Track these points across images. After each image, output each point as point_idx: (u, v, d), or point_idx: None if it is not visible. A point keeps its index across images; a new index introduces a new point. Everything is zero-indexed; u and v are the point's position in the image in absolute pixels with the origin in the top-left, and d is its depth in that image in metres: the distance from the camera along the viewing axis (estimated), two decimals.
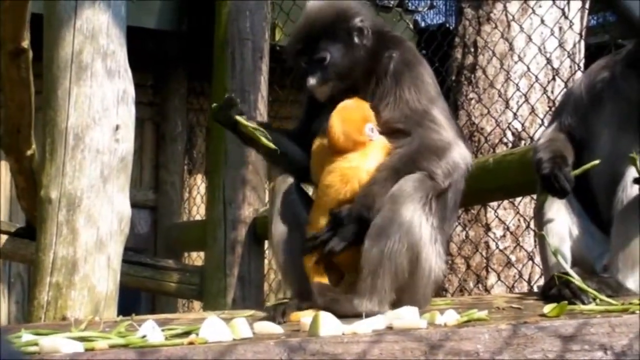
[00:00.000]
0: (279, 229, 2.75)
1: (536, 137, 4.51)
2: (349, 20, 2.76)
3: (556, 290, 2.62)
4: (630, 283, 2.70)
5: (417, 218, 2.53)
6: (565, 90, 4.45)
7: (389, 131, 2.68)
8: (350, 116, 2.68)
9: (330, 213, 2.62)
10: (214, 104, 2.78)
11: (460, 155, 2.67)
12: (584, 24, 4.77)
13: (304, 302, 2.57)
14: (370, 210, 2.56)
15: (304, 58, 2.75)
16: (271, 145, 2.73)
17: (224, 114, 2.74)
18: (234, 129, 2.75)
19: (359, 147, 2.67)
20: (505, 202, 4.57)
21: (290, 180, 2.80)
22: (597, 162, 2.76)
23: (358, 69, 2.75)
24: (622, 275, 2.70)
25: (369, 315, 2.46)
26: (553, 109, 4.59)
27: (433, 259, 2.60)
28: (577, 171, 2.77)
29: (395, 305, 2.56)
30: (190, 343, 2.16)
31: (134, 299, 6.30)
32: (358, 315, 2.42)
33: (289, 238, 2.74)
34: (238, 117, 2.71)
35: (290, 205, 2.75)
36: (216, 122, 2.78)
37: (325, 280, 2.62)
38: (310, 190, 2.88)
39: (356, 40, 2.75)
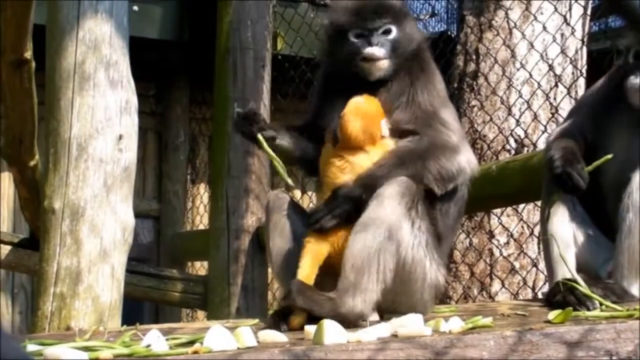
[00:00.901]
0: (275, 242, 2.75)
1: (539, 143, 4.51)
2: (403, 5, 2.80)
3: (561, 296, 2.62)
4: (635, 289, 2.70)
5: (401, 221, 2.52)
6: (567, 95, 4.46)
7: (398, 132, 2.68)
8: (366, 111, 2.67)
9: (332, 190, 2.60)
10: (238, 110, 2.76)
11: (467, 159, 2.67)
12: (586, 30, 4.77)
13: (283, 301, 2.54)
14: (369, 192, 2.55)
15: (360, 30, 2.72)
16: (288, 180, 2.71)
17: (245, 127, 2.71)
18: (254, 142, 2.73)
19: (374, 142, 2.66)
20: (509, 209, 4.56)
21: (284, 194, 2.81)
22: (610, 156, 2.72)
23: (408, 56, 2.74)
24: (626, 282, 2.70)
25: (352, 314, 2.44)
26: (556, 115, 4.59)
27: (426, 262, 2.59)
28: (590, 167, 2.73)
29: (392, 311, 2.56)
30: (195, 352, 2.16)
31: (137, 308, 6.30)
32: (339, 315, 2.40)
33: (286, 249, 2.73)
34: (260, 137, 2.69)
35: (285, 218, 2.75)
36: (236, 132, 2.76)
37: (309, 281, 2.58)
38: (304, 204, 2.88)
39: (412, 27, 2.80)
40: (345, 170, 2.66)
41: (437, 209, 2.67)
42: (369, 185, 2.57)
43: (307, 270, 2.58)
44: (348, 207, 2.57)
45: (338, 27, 2.75)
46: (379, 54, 2.68)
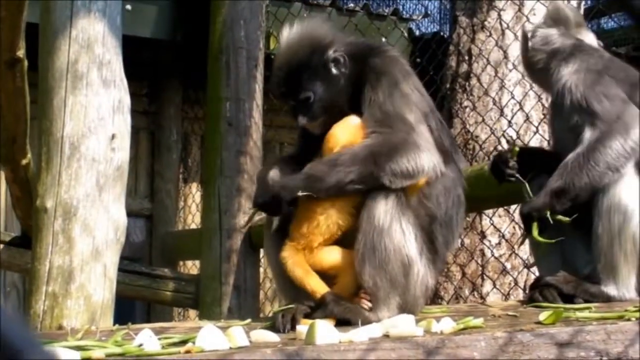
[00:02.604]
0: (273, 240, 2.76)
1: (531, 144, 4.53)
2: (324, 53, 2.75)
3: (538, 292, 2.76)
4: (612, 290, 2.74)
5: (394, 224, 2.54)
6: None
7: (365, 136, 2.67)
8: (349, 130, 2.68)
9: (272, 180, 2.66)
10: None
11: (427, 158, 2.62)
12: None
13: (318, 312, 2.54)
14: (309, 188, 2.58)
15: (290, 99, 2.77)
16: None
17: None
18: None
19: None
20: (501, 209, 4.58)
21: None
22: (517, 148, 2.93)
23: (343, 97, 2.75)
24: (603, 284, 2.75)
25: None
26: (547, 116, 4.61)
27: (417, 258, 2.61)
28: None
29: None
30: (187, 352, 2.16)
31: (129, 308, 6.29)
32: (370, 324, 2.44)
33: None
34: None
35: (285, 219, 2.76)
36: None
37: (324, 289, 2.61)
38: None
39: (334, 71, 2.76)
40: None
41: (432, 210, 2.68)
42: (311, 180, 2.59)
43: (317, 283, 2.60)
44: (284, 195, 2.60)
45: (274, 95, 2.88)
46: (305, 121, 2.73)
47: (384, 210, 2.54)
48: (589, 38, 3.04)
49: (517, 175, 2.90)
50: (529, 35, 3.05)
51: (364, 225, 2.55)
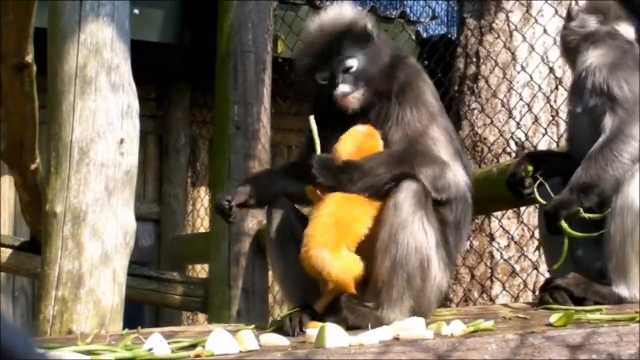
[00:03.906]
0: (276, 244, 2.76)
1: (540, 146, 4.52)
2: (365, 26, 2.75)
3: (548, 294, 2.74)
4: (623, 290, 2.72)
5: (417, 221, 2.53)
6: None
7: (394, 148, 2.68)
8: (361, 141, 2.67)
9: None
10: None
11: (453, 175, 2.65)
12: None
13: (330, 316, 2.52)
14: (347, 180, 2.56)
15: (324, 72, 2.71)
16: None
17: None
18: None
19: None
20: (509, 211, 4.57)
21: (284, 201, 2.81)
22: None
23: (383, 75, 2.72)
24: (614, 284, 2.73)
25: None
26: (556, 118, 4.60)
27: (435, 262, 2.60)
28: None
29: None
30: (197, 356, 2.16)
31: (138, 312, 6.30)
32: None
33: (287, 252, 2.73)
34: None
35: (286, 222, 2.75)
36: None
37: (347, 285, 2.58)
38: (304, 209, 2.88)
39: (379, 44, 2.75)
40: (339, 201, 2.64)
41: (445, 216, 2.68)
42: (349, 172, 2.57)
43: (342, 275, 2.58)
44: (329, 175, 2.57)
45: (304, 71, 2.77)
46: (346, 90, 2.68)
47: (411, 205, 2.53)
48: (626, 30, 3.04)
49: (536, 193, 2.88)
50: (572, 15, 3.08)
51: (389, 216, 2.53)
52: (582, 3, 3.21)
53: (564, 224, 2.72)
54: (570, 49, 3.05)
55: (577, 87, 2.92)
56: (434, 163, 2.63)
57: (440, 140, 2.69)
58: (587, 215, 2.71)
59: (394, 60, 2.78)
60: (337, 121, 2.71)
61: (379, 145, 2.67)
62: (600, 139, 2.74)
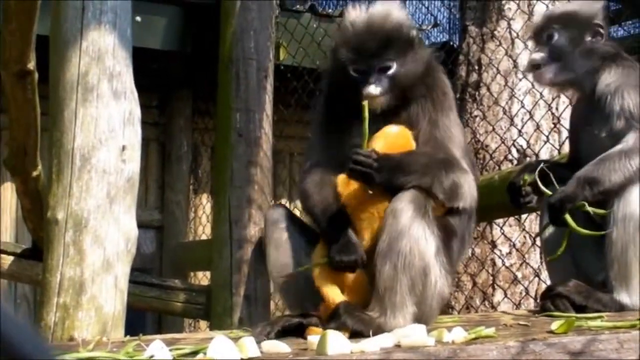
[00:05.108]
0: (276, 254, 2.75)
1: (541, 154, 4.52)
2: (410, 32, 2.74)
3: (550, 302, 2.75)
4: (624, 298, 2.73)
5: (417, 228, 2.53)
6: (570, 105, 4.47)
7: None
8: (396, 143, 2.66)
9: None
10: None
11: (469, 186, 2.67)
12: None
13: (331, 322, 2.51)
14: (388, 175, 2.54)
15: (362, 65, 2.70)
16: None
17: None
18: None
19: None
20: (511, 219, 4.57)
21: (281, 209, 2.82)
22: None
23: (413, 83, 2.72)
24: (616, 292, 2.74)
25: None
26: (558, 125, 4.60)
27: (437, 269, 2.60)
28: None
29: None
30: None
31: (140, 319, 6.30)
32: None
33: (286, 261, 2.73)
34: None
35: (284, 231, 2.75)
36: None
37: (342, 296, 2.59)
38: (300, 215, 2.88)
39: (419, 52, 2.74)
40: (370, 198, 2.64)
41: (454, 224, 2.69)
42: (391, 168, 2.56)
43: (336, 293, 2.59)
44: (376, 166, 2.54)
45: (340, 60, 2.74)
46: (375, 92, 2.66)
47: (410, 213, 2.53)
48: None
49: (534, 201, 2.90)
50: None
51: (389, 224, 2.53)
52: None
53: (568, 217, 2.73)
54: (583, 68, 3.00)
55: (597, 107, 2.88)
56: (458, 171, 2.64)
57: (462, 150, 2.72)
58: (591, 209, 2.72)
59: (427, 70, 2.78)
60: (351, 114, 2.70)
61: (411, 146, 2.67)
62: (619, 146, 2.75)
